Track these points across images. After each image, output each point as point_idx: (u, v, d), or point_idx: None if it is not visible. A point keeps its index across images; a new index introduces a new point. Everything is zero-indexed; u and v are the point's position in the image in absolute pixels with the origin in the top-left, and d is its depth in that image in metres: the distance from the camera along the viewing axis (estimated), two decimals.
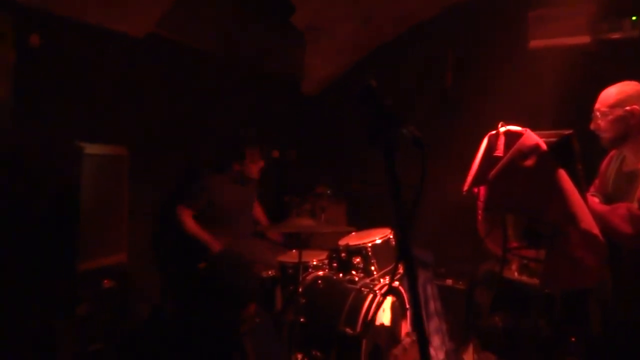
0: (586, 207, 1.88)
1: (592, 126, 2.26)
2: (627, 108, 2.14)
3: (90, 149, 2.59)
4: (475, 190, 2.40)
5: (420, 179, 0.94)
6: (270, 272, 3.28)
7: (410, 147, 1.00)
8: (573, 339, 2.09)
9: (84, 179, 2.47)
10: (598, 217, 1.95)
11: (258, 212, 3.96)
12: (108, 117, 2.97)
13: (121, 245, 2.90)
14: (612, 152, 2.39)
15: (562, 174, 1.88)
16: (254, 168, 3.62)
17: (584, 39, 3.67)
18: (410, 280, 1.03)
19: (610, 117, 2.17)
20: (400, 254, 0.97)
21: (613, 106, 2.17)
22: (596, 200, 2.21)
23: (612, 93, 2.21)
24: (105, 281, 2.78)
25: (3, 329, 1.69)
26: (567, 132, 1.97)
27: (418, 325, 1.09)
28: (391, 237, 3.25)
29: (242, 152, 3.56)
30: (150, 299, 2.97)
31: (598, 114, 2.22)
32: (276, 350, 1.91)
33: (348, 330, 2.72)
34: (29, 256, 1.75)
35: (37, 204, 1.77)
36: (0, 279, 1.69)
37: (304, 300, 2.92)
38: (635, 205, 2.00)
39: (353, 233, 3.54)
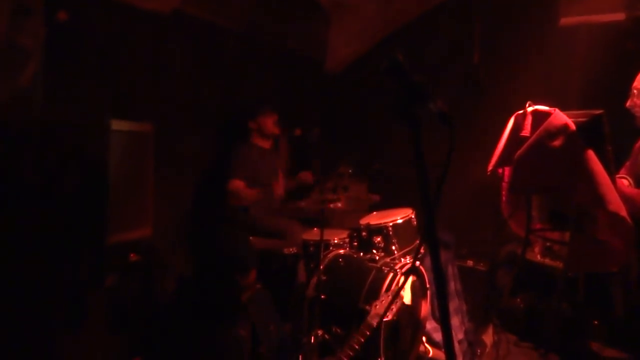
0: (615, 189, 1.84)
1: (627, 104, 2.20)
2: None
3: (117, 125, 2.64)
4: (500, 171, 2.38)
5: (447, 156, 0.93)
6: (292, 249, 3.33)
7: (437, 123, 0.99)
8: (596, 322, 2.07)
9: (111, 155, 2.52)
10: (627, 199, 1.90)
11: (289, 182, 4.03)
12: (134, 94, 3.01)
13: (147, 220, 2.96)
14: None
15: (591, 155, 1.84)
16: (269, 121, 3.73)
17: (618, 16, 3.54)
18: (434, 259, 1.03)
19: None
20: (425, 233, 0.97)
21: None
22: (625, 182, 2.16)
23: None
24: (132, 254, 2.86)
25: (35, 300, 1.76)
26: (597, 112, 1.92)
27: (441, 306, 1.10)
28: (412, 217, 3.24)
29: (252, 109, 3.69)
30: (175, 273, 3.05)
31: (635, 91, 2.15)
32: (274, 315, 1.96)
33: (368, 307, 2.75)
34: (60, 230, 1.80)
35: (67, 179, 1.81)
36: (33, 252, 1.75)
37: (324, 278, 2.95)
38: None
39: (374, 212, 3.54)
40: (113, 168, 2.61)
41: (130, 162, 2.87)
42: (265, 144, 3.80)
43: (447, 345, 1.06)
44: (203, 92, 3.57)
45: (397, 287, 2.44)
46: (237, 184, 3.55)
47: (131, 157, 2.87)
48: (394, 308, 2.20)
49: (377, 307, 2.18)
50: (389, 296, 2.21)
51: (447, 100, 0.98)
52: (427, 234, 1.01)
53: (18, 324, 1.69)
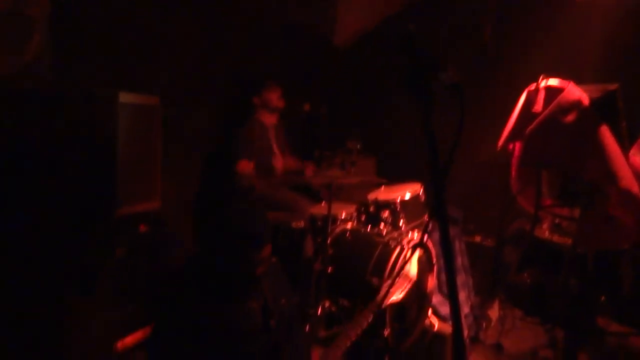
0: (627, 165, 1.82)
1: None
2: None
3: (124, 97, 2.63)
4: (510, 147, 2.35)
5: (458, 127, 0.91)
6: (300, 223, 3.35)
7: (448, 99, 0.97)
8: (603, 298, 2.07)
9: (119, 127, 2.51)
10: None
11: (292, 160, 4.00)
12: (141, 66, 2.99)
13: (155, 192, 2.97)
14: None
15: (605, 131, 1.81)
16: (273, 96, 3.69)
17: None
18: (443, 233, 1.03)
19: None
20: (434, 208, 0.96)
21: None
22: (638, 160, 2.12)
23: None
24: (141, 226, 2.89)
25: (46, 269, 1.78)
26: (611, 87, 1.88)
27: (450, 282, 1.09)
28: (420, 192, 3.24)
29: (255, 85, 3.65)
30: (183, 245, 3.08)
31: None
32: (286, 288, 1.97)
33: (374, 280, 2.78)
34: (69, 201, 1.82)
35: (76, 151, 1.82)
36: (43, 222, 1.77)
37: (332, 251, 2.97)
38: None
39: (382, 187, 3.54)
40: (121, 141, 2.61)
41: (138, 135, 2.86)
42: (271, 119, 3.77)
43: (455, 319, 1.06)
44: (211, 66, 3.54)
45: (407, 273, 2.43)
46: (244, 165, 3.53)
47: (139, 130, 2.86)
48: (405, 289, 2.20)
49: (389, 288, 2.19)
50: (401, 277, 2.21)
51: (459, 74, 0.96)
52: (436, 208, 1.01)
53: (30, 292, 1.72)
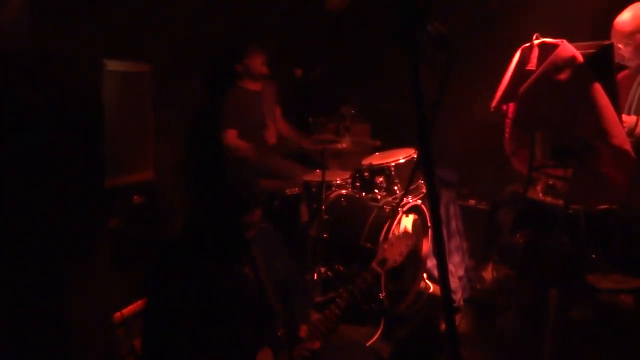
0: (619, 123, 1.80)
1: (616, 59, 2.13)
2: None
3: (112, 65, 2.58)
4: (504, 107, 2.33)
5: (444, 79, 0.90)
6: (294, 190, 3.35)
7: (437, 49, 0.95)
8: (594, 256, 2.09)
9: (106, 95, 2.47)
10: None
11: (284, 127, 3.95)
12: (130, 33, 2.91)
13: (148, 162, 2.96)
14: (625, 73, 2.28)
15: (598, 88, 1.79)
16: (257, 62, 3.59)
17: None
18: (430, 190, 1.02)
19: (633, 44, 2.08)
20: (421, 163, 0.95)
21: (633, 33, 2.09)
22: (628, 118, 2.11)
23: (627, 20, 2.11)
24: (135, 197, 2.89)
25: (36, 241, 1.78)
26: (606, 42, 1.85)
27: (437, 244, 1.09)
28: (415, 156, 3.23)
29: (237, 50, 3.56)
30: (179, 213, 3.09)
31: (620, 45, 2.10)
32: (280, 253, 1.98)
33: (369, 245, 2.80)
34: (54, 172, 1.79)
35: (59, 120, 1.78)
36: (25, 193, 1.74)
37: (327, 217, 2.99)
38: None
39: (376, 153, 3.53)
40: (111, 109, 2.57)
41: (128, 103, 2.83)
42: (255, 86, 3.67)
43: (443, 280, 1.07)
44: (202, 31, 3.45)
45: (406, 231, 2.42)
46: (230, 136, 3.48)
47: (129, 98, 2.83)
48: (404, 252, 2.21)
49: (386, 249, 2.19)
50: (398, 239, 2.22)
51: (452, 36, 0.94)
52: (421, 162, 1.00)
53: (20, 264, 1.72)
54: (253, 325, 1.76)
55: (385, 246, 2.21)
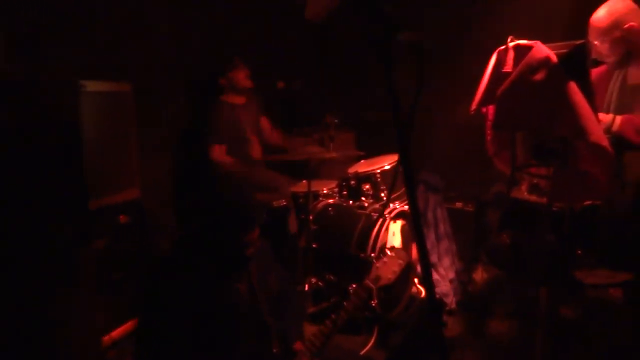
0: (596, 120, 1.83)
1: (593, 55, 2.17)
2: (625, 27, 2.06)
3: (92, 86, 2.57)
4: (484, 110, 2.35)
5: (417, 86, 0.91)
6: (282, 202, 3.35)
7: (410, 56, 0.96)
8: (579, 252, 2.12)
9: (88, 116, 2.46)
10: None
11: (276, 136, 3.95)
12: (109, 53, 2.91)
13: (133, 181, 2.94)
14: (602, 69, 2.32)
15: (573, 87, 1.81)
16: (240, 74, 3.59)
17: None
18: (411, 198, 1.03)
19: (609, 40, 2.10)
20: (400, 168, 0.96)
21: (609, 29, 2.10)
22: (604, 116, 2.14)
23: (603, 17, 2.13)
24: (121, 217, 2.86)
25: (19, 267, 1.75)
26: (578, 42, 1.88)
27: (419, 244, 1.10)
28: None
29: (221, 64, 3.58)
30: (167, 232, 3.06)
31: (596, 42, 2.13)
32: (273, 266, 1.97)
33: (359, 253, 2.80)
34: (36, 195, 1.77)
35: (39, 143, 1.76)
36: (5, 219, 1.72)
37: (315, 227, 2.99)
38: None
39: (362, 161, 3.55)
40: (93, 130, 2.56)
41: (111, 123, 2.81)
42: (239, 100, 3.67)
43: (427, 281, 1.07)
44: (183, 46, 3.46)
45: (402, 250, 2.39)
46: (217, 151, 3.48)
47: (112, 118, 2.81)
48: (397, 270, 2.21)
49: (379, 267, 2.19)
50: (392, 258, 2.21)
51: (430, 40, 0.95)
52: (404, 174, 1.00)
53: (8, 289, 1.70)
54: (248, 343, 1.74)
55: (379, 264, 2.21)
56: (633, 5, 2.11)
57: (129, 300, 2.64)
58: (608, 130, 2.06)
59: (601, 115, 2.08)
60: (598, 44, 2.13)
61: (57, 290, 1.86)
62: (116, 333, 2.62)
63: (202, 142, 3.50)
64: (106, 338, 2.53)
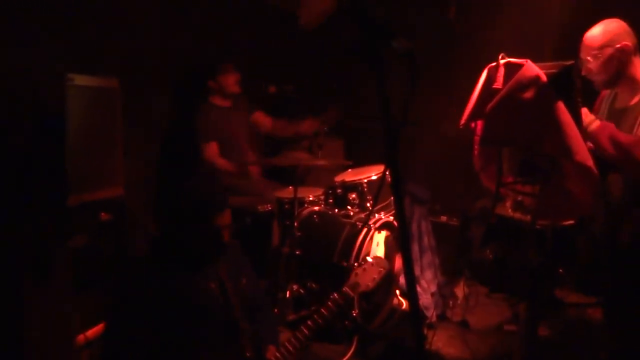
0: (582, 140, 1.85)
1: (583, 72, 2.20)
2: (618, 46, 2.11)
3: (80, 80, 2.53)
4: (472, 125, 2.37)
5: (410, 93, 0.91)
6: (266, 207, 3.32)
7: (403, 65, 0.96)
8: (561, 271, 2.13)
9: (74, 110, 2.42)
10: (623, 148, 1.95)
11: (270, 123, 3.91)
12: (98, 47, 2.87)
13: (117, 178, 2.89)
14: (605, 92, 2.36)
15: (561, 106, 1.83)
16: (230, 79, 3.56)
17: None
18: (397, 203, 1.02)
19: (602, 58, 2.13)
20: (389, 178, 0.95)
21: (602, 47, 2.14)
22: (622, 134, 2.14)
23: (597, 35, 2.17)
24: (102, 214, 2.81)
25: None
26: (567, 63, 1.91)
27: (404, 251, 1.09)
28: (387, 173, 3.25)
29: (210, 68, 3.55)
30: (148, 231, 3.02)
31: (589, 58, 2.17)
32: (246, 269, 1.96)
33: (342, 262, 2.79)
34: (8, 187, 1.73)
35: (19, 136, 1.73)
36: None
37: (299, 234, 2.97)
38: None
39: (349, 169, 3.55)
40: (78, 125, 2.52)
41: (97, 119, 2.77)
42: (225, 103, 3.64)
43: (412, 295, 1.06)
44: (173, 46, 3.43)
45: (382, 260, 2.40)
46: (211, 149, 3.44)
47: (98, 113, 2.77)
48: (377, 278, 2.21)
49: (359, 274, 2.19)
50: (372, 265, 2.21)
51: (423, 56, 0.95)
52: (392, 185, 1.00)
53: None
54: (220, 344, 1.72)
55: (358, 271, 2.21)
56: (626, 27, 2.15)
57: (106, 300, 2.58)
58: (584, 130, 2.07)
59: (584, 112, 2.09)
60: (590, 61, 2.17)
61: (31, 287, 1.81)
62: (91, 332, 2.57)
63: (186, 140, 3.46)
64: (81, 337, 2.48)
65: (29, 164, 1.75)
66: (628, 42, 2.11)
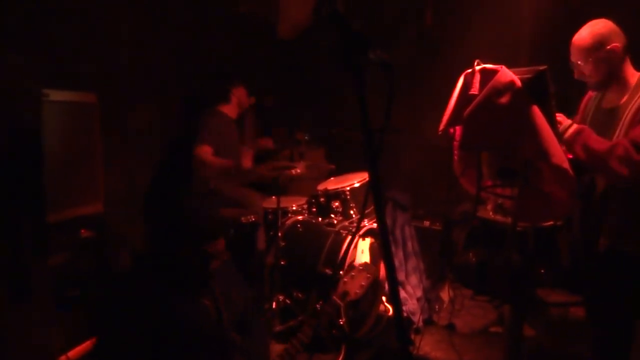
0: (558, 143, 1.89)
1: (575, 76, 2.20)
2: (608, 47, 2.09)
3: (57, 95, 2.50)
4: (451, 130, 2.40)
5: (388, 103, 0.92)
6: (250, 218, 3.31)
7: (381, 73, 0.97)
8: (542, 271, 2.16)
9: (51, 127, 2.39)
10: (597, 156, 1.94)
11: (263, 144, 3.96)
12: (75, 62, 2.84)
13: (97, 194, 2.86)
14: (592, 92, 2.35)
15: (536, 110, 1.87)
16: (243, 92, 3.66)
17: None
18: (378, 210, 1.03)
19: (593, 61, 2.10)
20: (370, 182, 0.96)
21: (592, 49, 2.09)
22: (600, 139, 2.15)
23: (586, 37, 2.13)
24: (82, 231, 2.76)
25: None
26: (541, 68, 1.95)
27: (387, 260, 1.10)
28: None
29: (229, 79, 3.62)
30: (130, 247, 2.97)
31: (579, 62, 2.14)
32: (238, 283, 1.94)
33: (327, 271, 2.79)
34: None
35: None
36: None
37: (283, 244, 2.96)
38: (631, 147, 1.96)
39: (332, 178, 3.56)
40: (57, 141, 2.48)
41: (75, 134, 2.74)
42: (233, 115, 3.66)
43: (395, 299, 1.07)
44: (150, 59, 3.41)
45: (370, 265, 2.40)
46: (205, 149, 3.39)
47: (76, 129, 2.74)
48: (365, 285, 2.20)
49: (347, 282, 2.18)
50: (359, 272, 2.20)
51: (400, 63, 0.97)
52: (372, 189, 1.01)
53: None
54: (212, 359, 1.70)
55: (346, 279, 2.20)
56: (615, 27, 2.12)
57: (87, 318, 2.53)
58: (560, 136, 2.06)
59: (560, 117, 2.10)
60: (581, 64, 2.14)
61: (10, 306, 1.76)
62: (73, 353, 2.51)
63: (185, 153, 3.44)
64: (62, 358, 2.42)
65: (5, 181, 1.71)
66: (617, 42, 2.06)
